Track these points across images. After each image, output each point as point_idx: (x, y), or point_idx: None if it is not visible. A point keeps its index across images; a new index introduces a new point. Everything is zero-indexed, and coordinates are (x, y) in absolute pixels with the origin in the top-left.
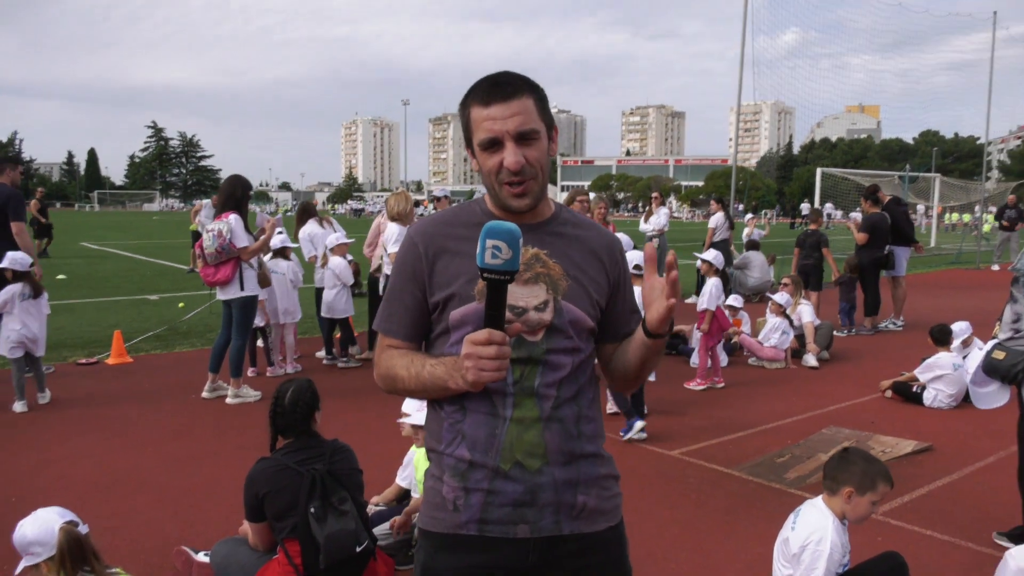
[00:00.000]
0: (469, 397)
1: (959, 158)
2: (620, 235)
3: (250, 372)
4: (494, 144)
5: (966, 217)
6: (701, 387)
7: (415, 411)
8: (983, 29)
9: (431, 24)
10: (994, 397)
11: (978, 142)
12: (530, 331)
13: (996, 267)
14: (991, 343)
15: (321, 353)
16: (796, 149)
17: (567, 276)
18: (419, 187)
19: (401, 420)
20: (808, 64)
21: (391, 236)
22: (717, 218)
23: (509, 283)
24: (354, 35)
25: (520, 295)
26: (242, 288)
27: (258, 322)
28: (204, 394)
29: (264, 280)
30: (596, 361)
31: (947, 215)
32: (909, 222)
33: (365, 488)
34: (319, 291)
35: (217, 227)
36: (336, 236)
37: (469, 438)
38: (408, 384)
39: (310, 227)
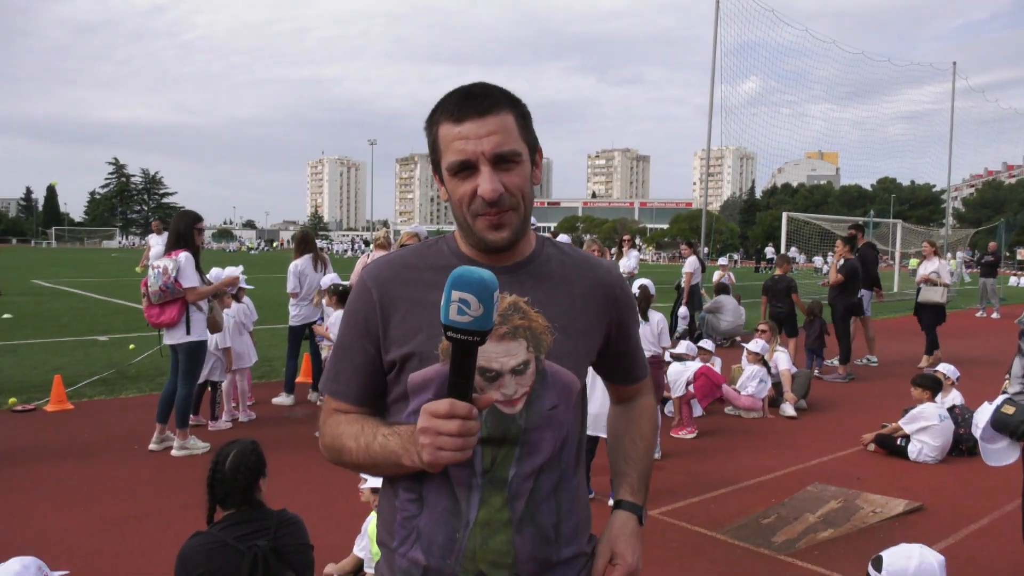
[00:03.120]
0: (428, 486)
1: (915, 205)
2: (645, 281)
3: (196, 421)
4: (466, 168)
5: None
6: (692, 435)
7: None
8: (939, 81)
9: (397, 67)
10: (1004, 454)
11: (933, 189)
12: (506, 401)
13: (982, 313)
14: (1001, 398)
15: (278, 399)
16: (759, 194)
17: (552, 329)
18: (385, 226)
19: (361, 485)
20: (769, 111)
21: None
22: (692, 262)
23: (479, 345)
24: (319, 76)
25: (494, 354)
26: (188, 332)
27: (216, 376)
28: (151, 446)
29: (214, 325)
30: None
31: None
32: (877, 266)
33: (320, 558)
34: (292, 330)
35: (163, 264)
36: (331, 277)
37: (425, 538)
38: (357, 457)
39: (302, 263)
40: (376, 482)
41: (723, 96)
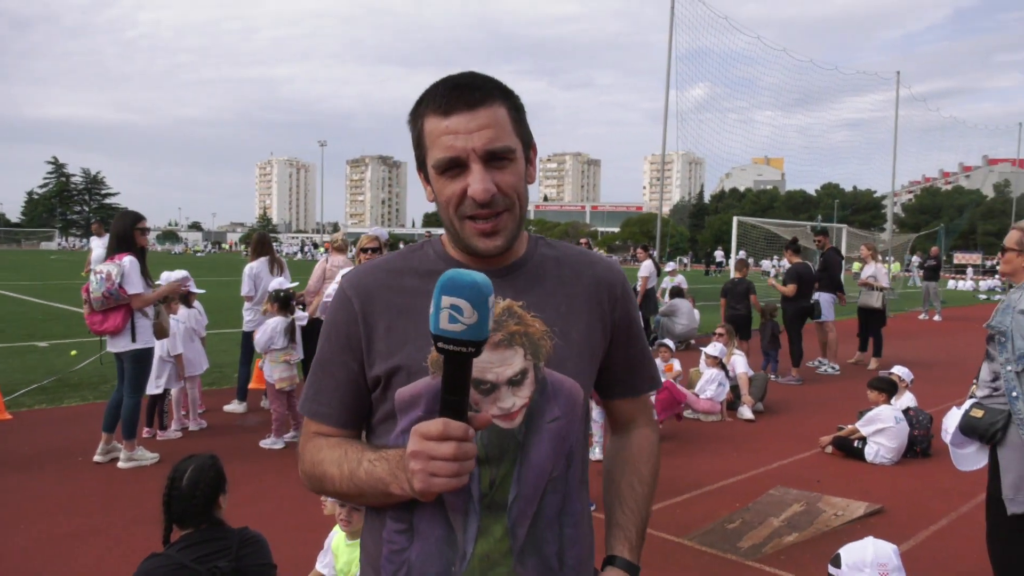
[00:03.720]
0: (419, 514)
1: (858, 210)
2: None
3: (145, 432)
4: (455, 166)
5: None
6: None
7: None
8: (881, 89)
9: (347, 67)
10: (974, 458)
11: (875, 195)
12: (503, 415)
13: (925, 316)
14: (969, 402)
15: (230, 406)
16: (707, 198)
17: (551, 333)
18: (335, 229)
19: (323, 499)
20: (717, 117)
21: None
22: (647, 266)
23: (474, 356)
24: (268, 76)
25: (489, 364)
26: (134, 340)
27: (171, 385)
28: (96, 457)
29: (161, 331)
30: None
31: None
32: (840, 271)
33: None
34: (246, 335)
35: (106, 269)
36: (278, 281)
37: (417, 572)
38: (340, 486)
39: (258, 266)
40: None
41: (674, 101)
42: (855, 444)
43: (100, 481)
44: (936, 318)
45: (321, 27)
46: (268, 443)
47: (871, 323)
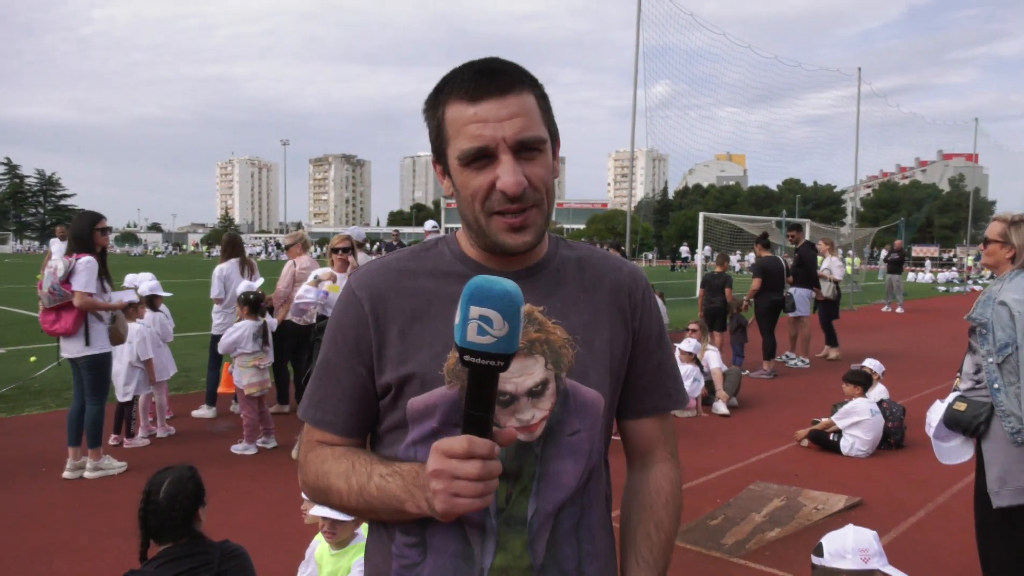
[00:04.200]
0: (432, 528)
1: (819, 205)
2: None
3: (112, 440)
4: (483, 156)
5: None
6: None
7: None
8: (841, 86)
9: (308, 66)
10: (958, 452)
11: (835, 190)
12: (522, 427)
13: (888, 308)
14: (953, 395)
15: (199, 411)
16: (671, 194)
17: (573, 342)
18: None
19: (307, 509)
20: (680, 114)
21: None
22: None
23: (502, 371)
24: (227, 75)
25: (508, 374)
26: (87, 344)
27: (142, 391)
28: (65, 474)
29: (117, 337)
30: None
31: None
32: (815, 265)
33: None
34: (215, 339)
35: (55, 264)
36: (246, 284)
37: None
38: (348, 500)
39: (228, 267)
40: (324, 510)
41: (641, 98)
42: (831, 437)
43: (66, 493)
44: (898, 310)
45: (281, 24)
46: (239, 449)
47: (821, 314)
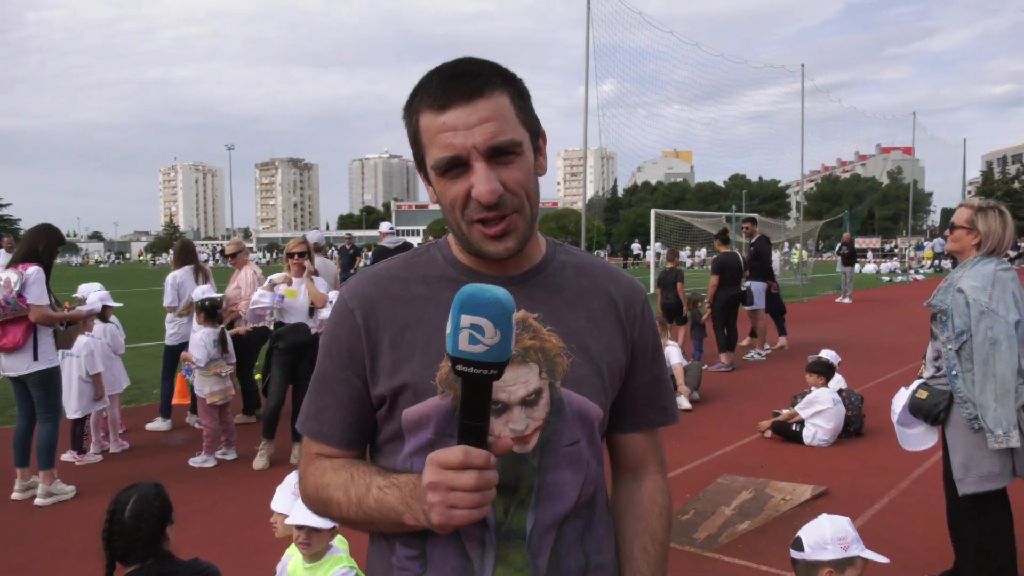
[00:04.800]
0: (433, 541)
1: (764, 199)
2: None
3: (66, 456)
4: (456, 165)
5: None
6: None
7: (291, 506)
8: (784, 83)
9: (253, 69)
10: (922, 439)
11: (779, 184)
12: (515, 437)
13: (844, 299)
14: (916, 382)
15: (153, 424)
16: (620, 192)
17: (568, 350)
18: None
19: (278, 521)
20: (627, 112)
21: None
22: None
23: (496, 379)
24: (170, 78)
25: (500, 382)
26: (36, 358)
27: (96, 407)
28: (15, 495)
29: (66, 340)
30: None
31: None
32: (770, 259)
33: None
34: (169, 349)
35: (5, 276)
36: (203, 289)
37: None
38: (347, 512)
39: (182, 274)
40: (301, 517)
41: (593, 97)
42: (793, 428)
43: (17, 512)
44: (847, 300)
45: (225, 27)
46: (198, 461)
47: (769, 307)
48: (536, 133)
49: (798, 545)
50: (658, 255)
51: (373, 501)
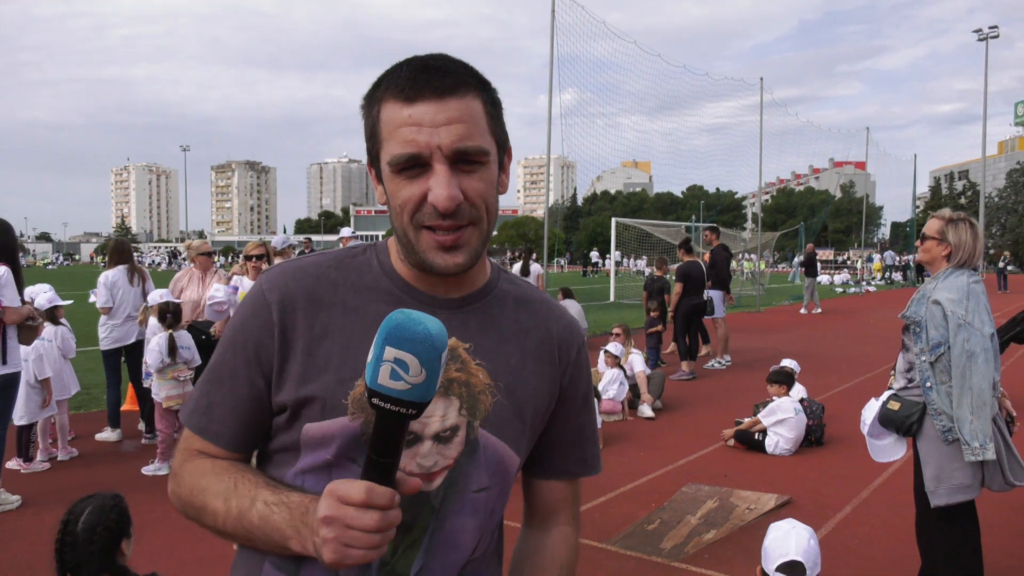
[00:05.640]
0: (307, 566)
1: (722, 210)
2: None
3: (11, 463)
4: (415, 164)
5: (749, 265)
6: None
7: None
8: (741, 96)
9: (209, 70)
10: (891, 450)
11: (736, 196)
12: (421, 472)
13: (811, 310)
14: (887, 393)
15: (103, 434)
16: (580, 200)
17: (494, 388)
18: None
19: None
20: (586, 122)
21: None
22: (536, 268)
23: (414, 419)
24: (124, 77)
25: None
26: (4, 362)
27: (45, 414)
28: None
29: (29, 335)
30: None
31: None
32: (728, 268)
33: None
34: (107, 354)
35: None
36: (160, 292)
37: None
38: (224, 523)
39: (115, 274)
40: None
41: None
42: (755, 436)
43: None
44: (802, 311)
45: (180, 26)
46: (151, 469)
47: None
48: (503, 147)
49: (799, 570)
50: (617, 264)
51: (257, 517)
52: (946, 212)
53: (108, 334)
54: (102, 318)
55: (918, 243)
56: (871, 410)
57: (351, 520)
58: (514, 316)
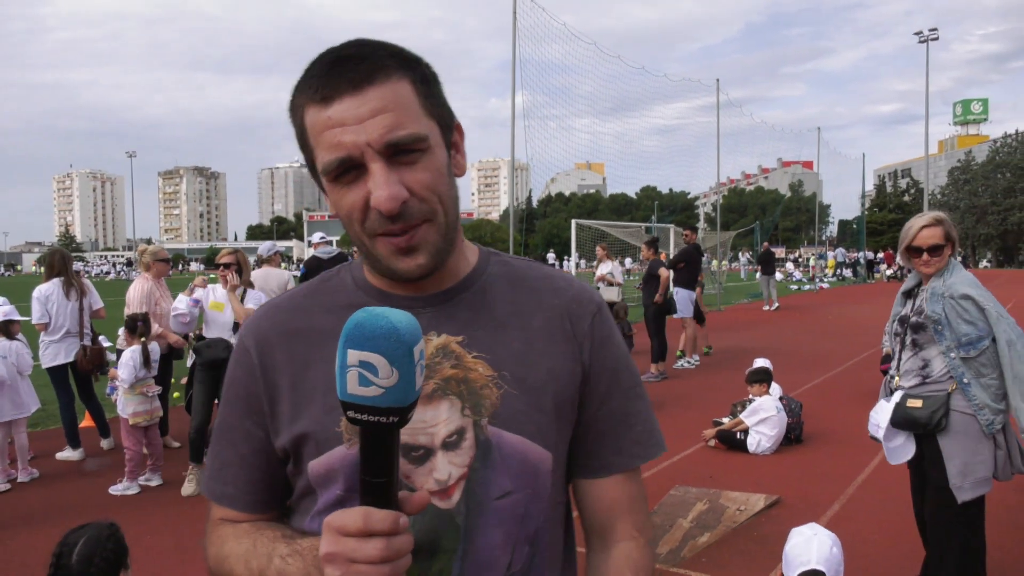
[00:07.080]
0: None
1: (675, 211)
2: None
3: None
4: (349, 168)
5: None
6: None
7: None
8: (693, 97)
9: (154, 74)
10: (903, 451)
11: (688, 196)
12: (439, 489)
13: (767, 307)
14: (898, 394)
15: (63, 454)
16: (535, 203)
17: (498, 379)
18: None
19: None
20: (541, 124)
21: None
22: None
23: (400, 427)
24: (64, 81)
25: (420, 423)
26: None
27: None
28: None
29: None
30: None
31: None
32: (699, 268)
33: None
34: (52, 372)
35: None
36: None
37: None
38: None
39: (49, 288)
40: None
41: (495, 109)
42: (737, 436)
43: None
44: (765, 308)
45: (123, 29)
46: (119, 489)
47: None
48: (447, 126)
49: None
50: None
51: (275, 573)
52: (932, 215)
53: (46, 350)
54: (41, 335)
55: (926, 256)
56: (883, 412)
57: (352, 553)
58: (509, 298)
